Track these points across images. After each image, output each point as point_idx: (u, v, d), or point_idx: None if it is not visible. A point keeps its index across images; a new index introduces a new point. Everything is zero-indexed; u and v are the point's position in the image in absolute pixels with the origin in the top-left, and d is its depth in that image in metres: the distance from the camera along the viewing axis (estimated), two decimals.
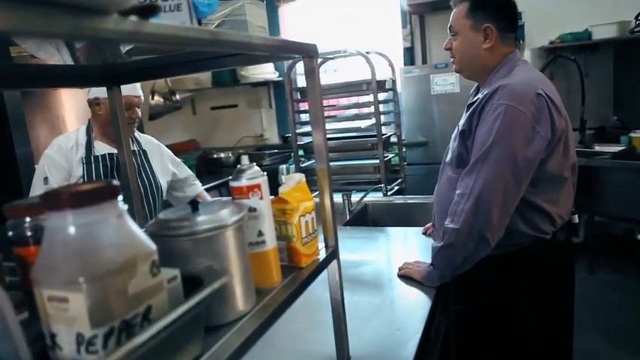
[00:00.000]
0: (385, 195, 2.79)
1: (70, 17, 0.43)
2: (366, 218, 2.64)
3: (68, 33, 0.44)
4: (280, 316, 0.85)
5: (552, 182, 1.52)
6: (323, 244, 1.09)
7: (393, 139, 3.14)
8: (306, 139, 3.13)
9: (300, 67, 4.34)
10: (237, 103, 5.10)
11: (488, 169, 1.41)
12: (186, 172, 2.48)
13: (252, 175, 0.87)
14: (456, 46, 1.61)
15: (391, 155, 3.10)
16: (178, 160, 2.47)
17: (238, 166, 0.88)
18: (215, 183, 3.88)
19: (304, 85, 3.71)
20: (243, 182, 0.87)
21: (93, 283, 0.55)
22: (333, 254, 1.08)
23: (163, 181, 2.29)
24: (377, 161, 2.82)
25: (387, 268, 1.75)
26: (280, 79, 4.69)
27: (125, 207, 0.61)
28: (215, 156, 4.65)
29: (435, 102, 3.69)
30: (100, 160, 2.09)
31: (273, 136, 5.07)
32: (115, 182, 0.60)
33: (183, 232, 0.75)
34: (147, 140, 2.34)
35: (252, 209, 0.87)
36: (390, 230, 2.25)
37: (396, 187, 3.01)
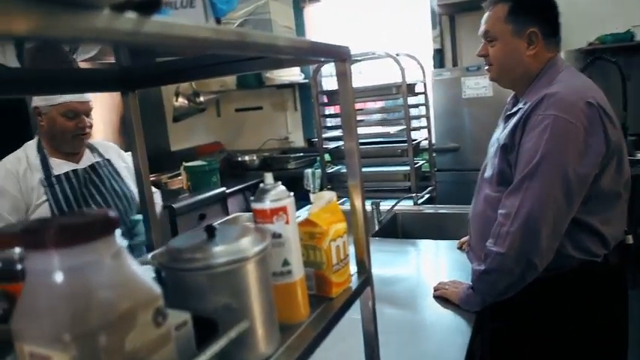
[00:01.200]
0: (416, 204, 2.65)
1: (40, 12, 0.32)
2: (396, 229, 2.51)
3: (34, 32, 0.33)
4: (309, 357, 0.74)
5: (605, 200, 1.37)
6: (355, 269, 0.98)
7: (424, 144, 3.01)
8: (333, 144, 3.01)
9: (325, 69, 4.24)
10: (262, 106, 5.02)
11: (536, 188, 1.28)
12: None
13: (277, 196, 0.76)
14: (495, 53, 1.47)
15: (421, 161, 2.96)
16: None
17: (261, 185, 0.77)
18: (239, 187, 3.80)
19: (331, 87, 3.57)
20: (267, 204, 0.76)
21: (82, 340, 0.44)
22: (366, 281, 0.97)
23: (134, 187, 2.02)
24: (407, 168, 2.69)
25: (421, 287, 1.63)
26: (306, 81, 4.58)
27: (124, 243, 0.51)
28: (239, 159, 4.57)
29: (467, 106, 3.53)
30: (64, 179, 1.87)
31: (298, 139, 4.97)
32: (112, 214, 0.50)
33: (196, 266, 0.64)
34: (105, 146, 2.10)
35: (276, 235, 0.76)
36: (420, 243, 2.13)
37: (427, 195, 2.87)
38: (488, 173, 1.49)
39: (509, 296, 1.35)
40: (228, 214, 3.46)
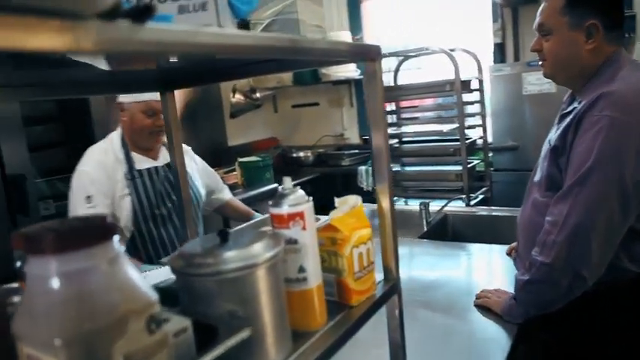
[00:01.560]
0: (468, 205, 2.57)
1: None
2: (446, 231, 2.44)
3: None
4: None
5: None
6: (382, 275, 0.95)
7: (479, 143, 2.90)
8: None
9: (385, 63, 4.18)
10: (318, 102, 5.02)
11: (587, 195, 1.19)
12: (216, 179, 2.36)
13: (295, 200, 0.75)
14: (549, 48, 1.37)
15: (476, 161, 2.86)
16: (210, 168, 2.33)
17: (279, 189, 0.76)
18: (293, 183, 3.82)
19: (388, 83, 3.51)
20: (284, 209, 0.75)
21: (72, 345, 0.45)
22: (393, 289, 0.94)
23: (202, 190, 2.15)
24: (459, 168, 2.60)
25: (463, 293, 1.56)
26: (362, 77, 4.54)
27: (121, 249, 0.52)
28: (294, 155, 4.60)
29: (528, 103, 3.36)
30: (146, 174, 1.95)
31: (353, 136, 4.93)
32: (110, 220, 0.50)
33: (205, 271, 0.64)
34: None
35: (292, 241, 0.74)
36: (471, 247, 2.04)
37: (481, 196, 2.77)
38: (537, 177, 1.41)
39: (556, 309, 1.27)
40: None
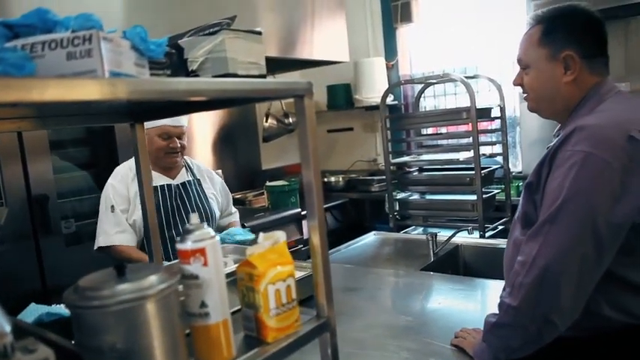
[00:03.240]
0: (483, 236, 2.48)
1: None
2: (456, 263, 2.36)
3: None
4: None
5: None
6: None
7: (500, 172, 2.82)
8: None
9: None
10: (352, 127, 5.04)
11: (557, 234, 1.12)
12: (229, 202, 2.51)
13: (200, 236, 0.76)
14: (529, 82, 1.33)
15: (496, 190, 2.77)
16: (227, 189, 2.51)
17: (186, 225, 0.78)
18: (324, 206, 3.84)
19: (429, 107, 3.45)
20: (188, 245, 0.76)
21: None
22: (323, 327, 0.93)
23: (216, 209, 2.34)
24: (474, 197, 2.53)
25: (446, 331, 1.49)
26: (395, 102, 4.53)
27: None
28: (325, 179, 4.62)
29: None
30: (159, 191, 2.15)
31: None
32: None
33: (90, 304, 0.66)
34: (199, 168, 2.40)
35: (193, 276, 0.76)
36: (478, 282, 1.94)
37: (500, 227, 2.68)
38: (517, 213, 1.35)
39: (530, 353, 1.20)
40: (302, 235, 3.52)
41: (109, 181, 2.15)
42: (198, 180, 2.32)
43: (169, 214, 2.17)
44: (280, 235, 0.88)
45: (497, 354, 1.22)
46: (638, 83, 2.82)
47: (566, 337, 1.18)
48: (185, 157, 2.31)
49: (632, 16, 3.09)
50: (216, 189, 2.41)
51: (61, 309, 1.12)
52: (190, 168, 2.33)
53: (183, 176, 2.28)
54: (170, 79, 0.82)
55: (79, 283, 0.70)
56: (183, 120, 2.18)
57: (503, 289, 1.27)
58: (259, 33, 0.94)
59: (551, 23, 1.27)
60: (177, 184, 2.23)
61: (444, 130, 3.38)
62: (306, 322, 0.91)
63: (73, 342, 0.71)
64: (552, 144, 1.28)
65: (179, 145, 2.17)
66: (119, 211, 2.09)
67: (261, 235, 0.88)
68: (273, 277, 0.84)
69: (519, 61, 1.34)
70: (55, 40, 0.65)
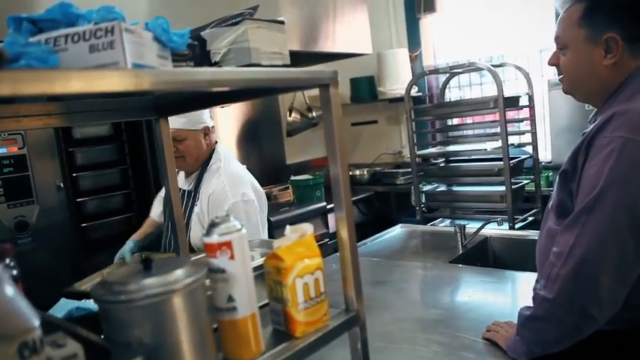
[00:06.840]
0: (512, 228, 2.42)
1: None
2: (486, 255, 2.31)
3: None
4: None
5: None
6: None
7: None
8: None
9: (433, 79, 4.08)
10: (376, 119, 4.99)
11: (595, 224, 1.08)
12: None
13: (225, 230, 0.75)
14: (565, 63, 1.28)
15: (525, 181, 2.70)
16: (221, 201, 2.00)
17: (213, 218, 0.77)
18: None
19: (454, 98, 3.39)
20: (214, 238, 0.75)
21: None
22: (352, 321, 0.91)
23: (197, 228, 2.01)
24: (502, 188, 2.47)
25: (477, 324, 1.46)
26: (420, 94, 4.47)
27: (9, 272, 0.54)
28: (350, 173, 4.59)
29: None
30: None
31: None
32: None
33: (117, 299, 0.66)
34: (208, 183, 2.08)
35: (219, 270, 0.75)
36: (509, 275, 1.90)
37: (531, 218, 2.61)
38: (551, 202, 1.31)
39: (566, 347, 1.16)
40: (328, 229, 3.50)
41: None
42: (195, 193, 2.10)
43: (167, 219, 2.15)
44: (307, 228, 0.87)
45: (532, 347, 1.19)
46: None
47: (604, 330, 1.14)
48: (222, 169, 2.10)
49: None
50: (208, 209, 2.02)
51: (91, 304, 1.13)
52: (199, 181, 2.11)
53: (187, 184, 2.14)
54: (193, 69, 0.81)
55: (106, 277, 0.70)
56: (176, 122, 1.91)
57: (537, 282, 1.24)
58: (282, 22, 0.92)
59: (594, 2, 1.22)
60: (183, 190, 2.09)
61: (469, 120, 3.32)
62: (335, 316, 0.90)
63: (102, 337, 0.70)
64: (588, 130, 1.23)
65: (183, 150, 1.99)
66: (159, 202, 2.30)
67: (288, 227, 0.87)
68: (301, 270, 0.82)
69: (557, 39, 1.29)
70: (78, 33, 0.65)
